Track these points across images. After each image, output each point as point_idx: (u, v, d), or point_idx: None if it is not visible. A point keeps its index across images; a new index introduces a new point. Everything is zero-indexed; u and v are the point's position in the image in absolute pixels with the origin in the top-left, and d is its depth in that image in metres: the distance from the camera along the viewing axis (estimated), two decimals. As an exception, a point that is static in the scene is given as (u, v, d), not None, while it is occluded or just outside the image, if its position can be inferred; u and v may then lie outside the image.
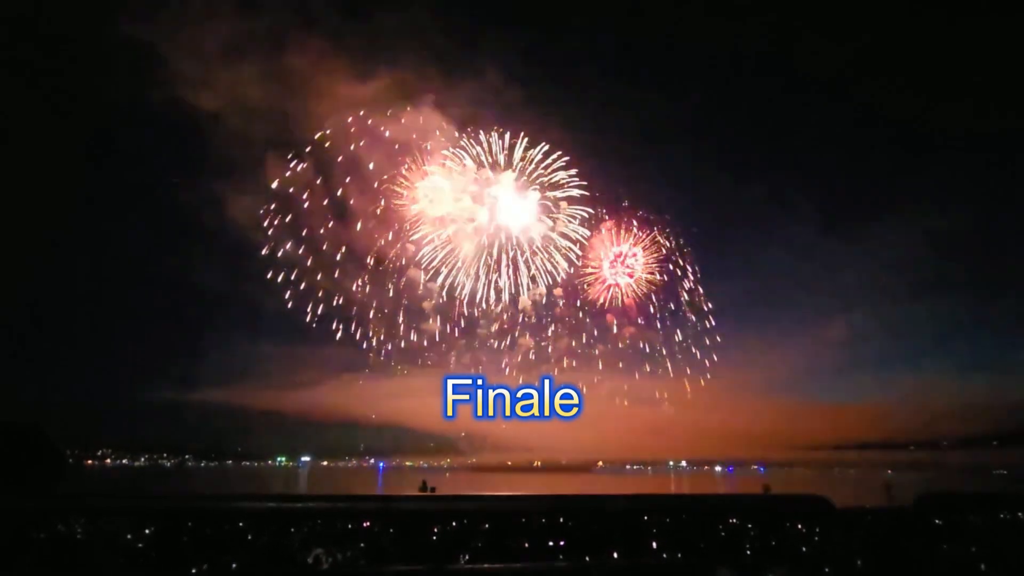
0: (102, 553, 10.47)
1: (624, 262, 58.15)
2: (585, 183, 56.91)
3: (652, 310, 60.07)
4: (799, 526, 11.83)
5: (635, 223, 58.53)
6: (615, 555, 11.85)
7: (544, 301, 59.56)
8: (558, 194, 56.98)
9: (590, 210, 57.08)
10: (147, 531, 10.70)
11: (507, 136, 56.16)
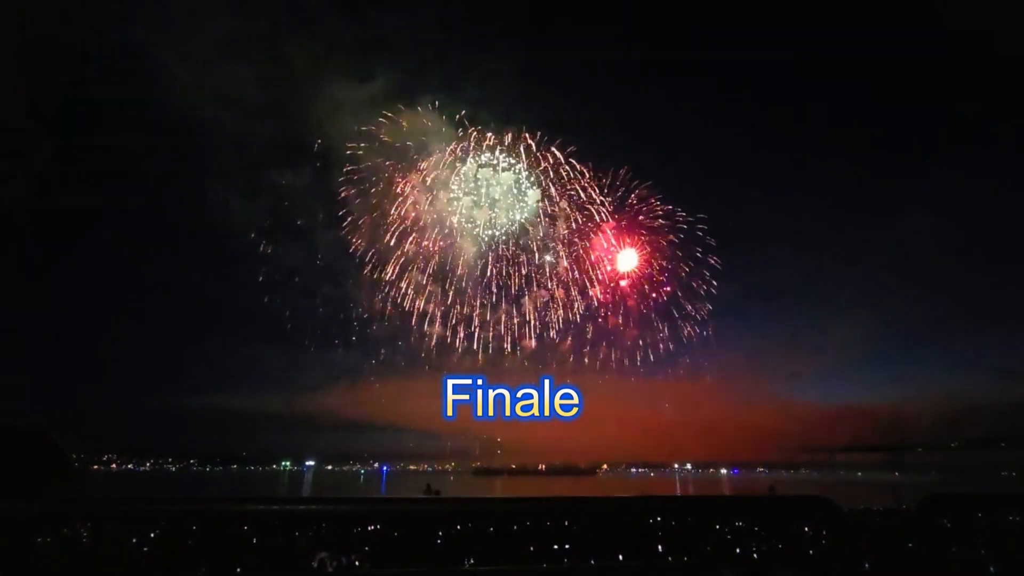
0: (107, 557, 10.52)
1: (634, 263, 58.06)
2: (590, 179, 56.92)
3: (656, 311, 59.95)
4: (805, 528, 11.77)
5: (644, 222, 58.38)
6: (620, 557, 11.82)
7: (547, 302, 59.58)
8: (563, 193, 57.04)
9: (597, 209, 57.11)
10: (152, 535, 10.73)
11: (509, 136, 56.30)
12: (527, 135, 55.50)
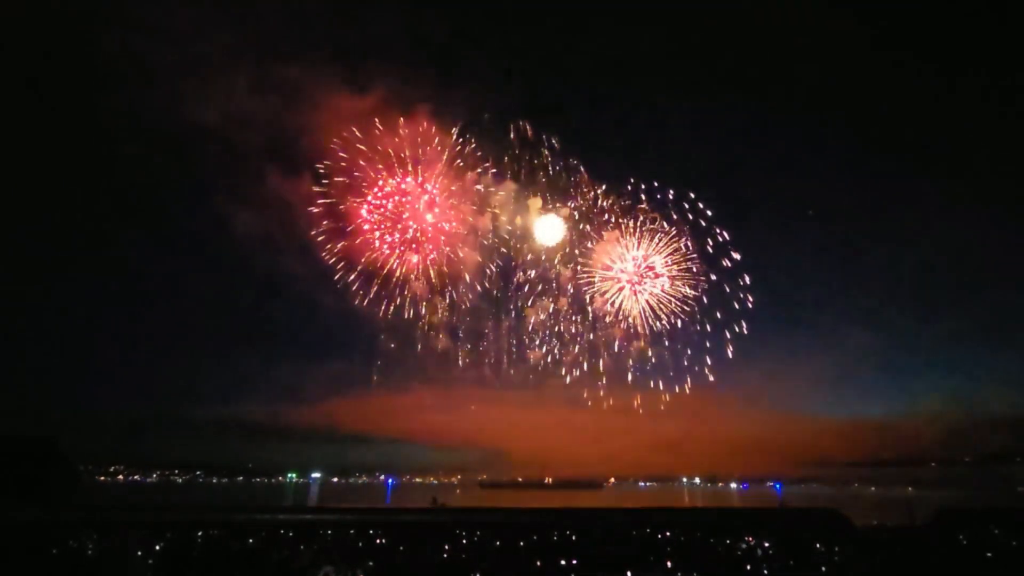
0: (112, 570, 10.47)
1: (643, 273, 57.65)
2: (591, 184, 56.89)
3: (663, 323, 59.46)
4: (817, 545, 11.53)
5: (648, 230, 57.92)
6: (628, 574, 11.62)
7: (551, 313, 59.41)
8: (565, 201, 57.16)
9: (601, 217, 57.08)
10: (157, 547, 10.70)
11: (508, 143, 56.54)
12: (527, 138, 55.75)
